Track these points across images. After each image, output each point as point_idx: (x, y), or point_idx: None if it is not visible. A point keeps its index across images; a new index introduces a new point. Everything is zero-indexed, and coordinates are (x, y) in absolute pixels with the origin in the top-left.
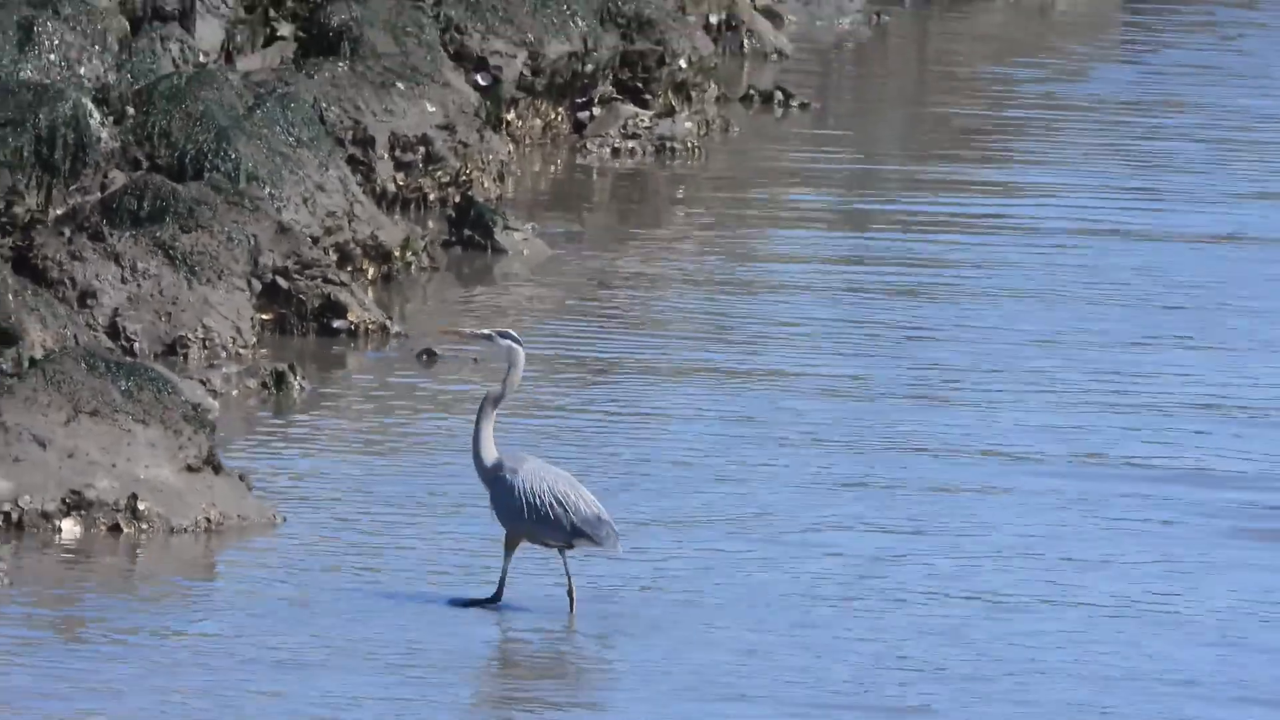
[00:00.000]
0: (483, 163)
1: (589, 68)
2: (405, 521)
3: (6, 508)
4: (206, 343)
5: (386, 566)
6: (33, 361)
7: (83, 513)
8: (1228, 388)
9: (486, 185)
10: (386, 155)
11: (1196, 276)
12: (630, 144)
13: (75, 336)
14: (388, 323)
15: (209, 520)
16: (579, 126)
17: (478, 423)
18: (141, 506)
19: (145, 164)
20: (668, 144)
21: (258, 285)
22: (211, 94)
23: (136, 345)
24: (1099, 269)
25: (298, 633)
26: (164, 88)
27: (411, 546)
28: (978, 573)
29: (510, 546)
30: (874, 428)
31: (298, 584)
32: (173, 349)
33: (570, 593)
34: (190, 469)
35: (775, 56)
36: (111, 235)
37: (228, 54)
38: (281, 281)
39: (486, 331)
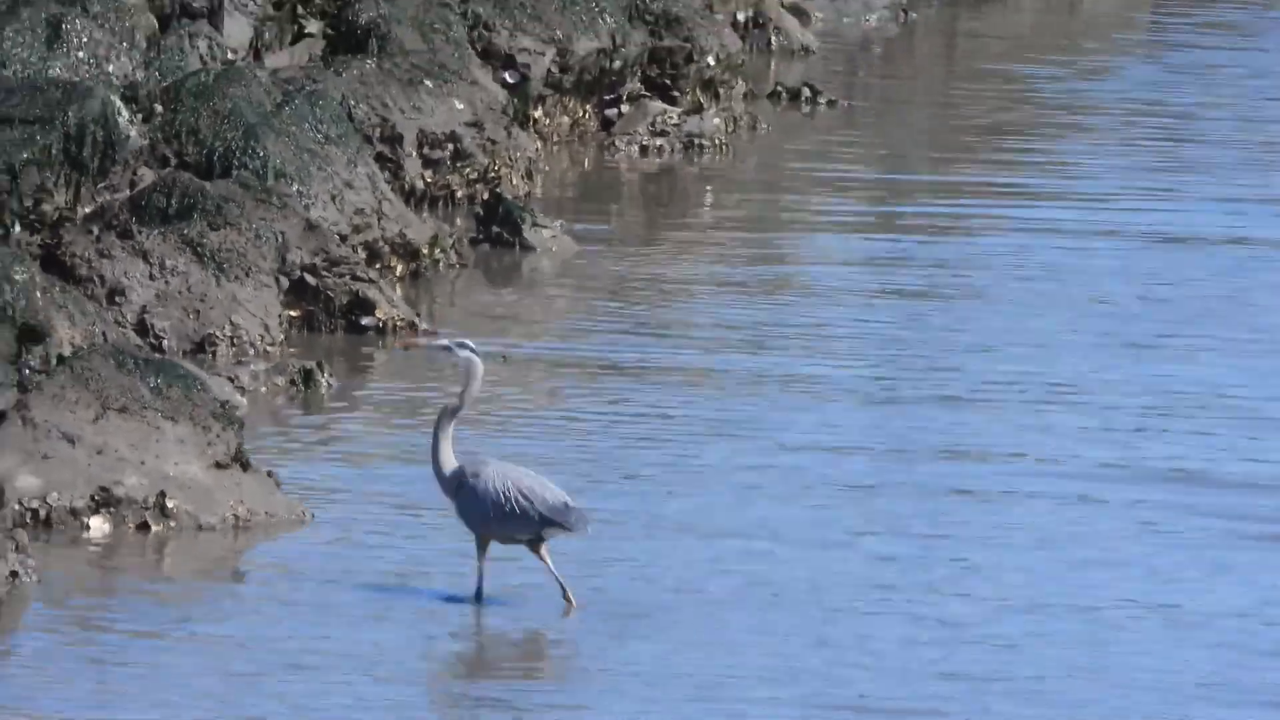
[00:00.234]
0: (511, 160)
1: (617, 65)
2: (432, 521)
3: (35, 505)
4: (235, 340)
5: (409, 567)
6: (61, 359)
7: (111, 510)
8: (1254, 390)
9: (515, 182)
10: (414, 152)
11: (1222, 278)
12: (658, 141)
13: (104, 334)
14: (416, 320)
15: (237, 517)
16: (607, 124)
17: (435, 435)
18: (170, 504)
19: (173, 161)
20: (696, 141)
21: (286, 282)
22: (240, 91)
23: (165, 342)
24: (1125, 272)
25: (313, 634)
26: (192, 85)
27: (437, 545)
28: (998, 575)
29: (482, 547)
30: (900, 431)
31: (320, 584)
32: (201, 346)
33: (565, 590)
34: (219, 466)
35: (802, 53)
36: (140, 233)
37: (256, 51)
38: (309, 279)
39: (445, 342)
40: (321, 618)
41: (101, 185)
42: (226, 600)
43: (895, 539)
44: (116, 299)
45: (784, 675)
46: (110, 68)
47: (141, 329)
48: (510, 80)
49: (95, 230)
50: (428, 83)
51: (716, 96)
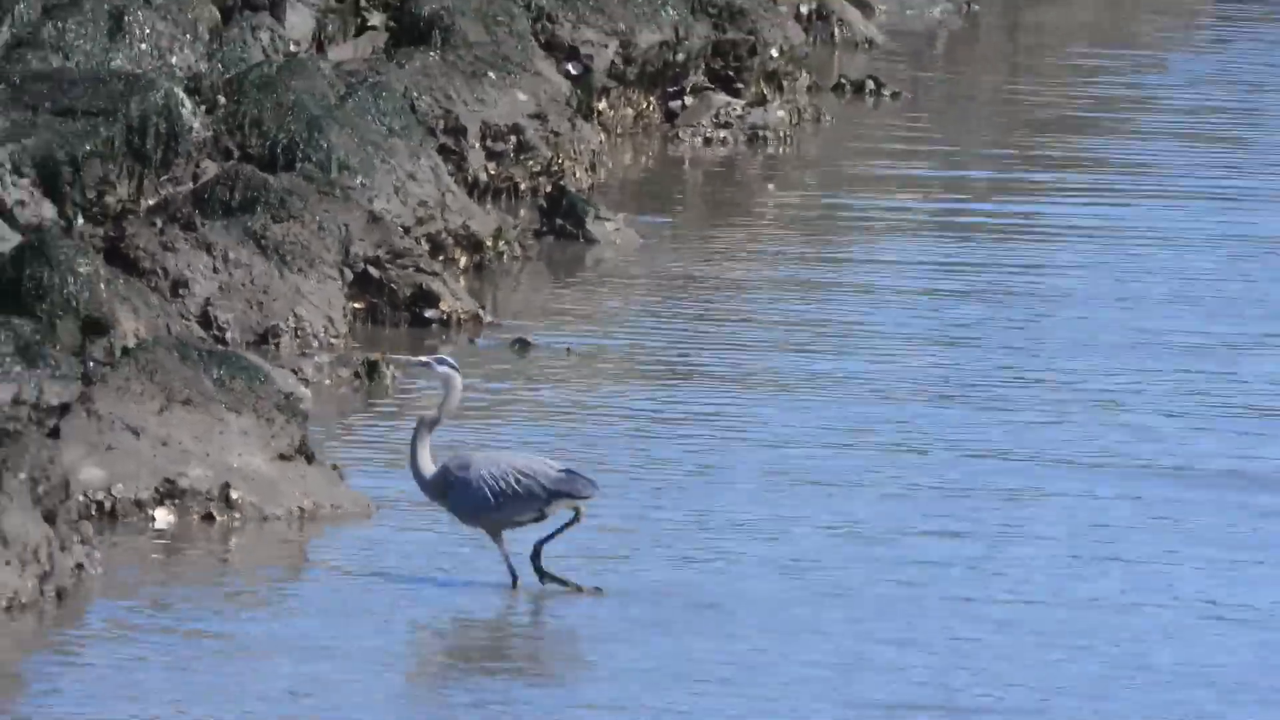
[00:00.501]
0: (574, 152)
1: (680, 57)
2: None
3: (100, 496)
4: (298, 332)
5: (472, 562)
6: (125, 351)
7: (176, 501)
8: None
9: (578, 175)
10: (478, 144)
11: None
12: (722, 133)
13: (167, 326)
14: (480, 312)
15: (302, 509)
16: (671, 116)
17: (413, 444)
18: (234, 495)
19: (237, 154)
20: (760, 133)
21: (349, 275)
22: (303, 83)
23: (228, 334)
24: (1183, 271)
25: (367, 628)
26: (255, 77)
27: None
28: (1055, 576)
29: (496, 537)
30: (961, 430)
31: (381, 577)
32: (264, 338)
33: (511, 575)
34: (283, 458)
35: (866, 46)
36: (203, 225)
37: (319, 43)
38: (373, 271)
39: (425, 359)
40: (375, 609)
41: (164, 178)
42: (290, 594)
43: (955, 538)
44: (180, 291)
45: (836, 670)
46: (173, 59)
47: (205, 321)
48: (573, 72)
49: (158, 223)
50: (491, 75)
51: (780, 89)
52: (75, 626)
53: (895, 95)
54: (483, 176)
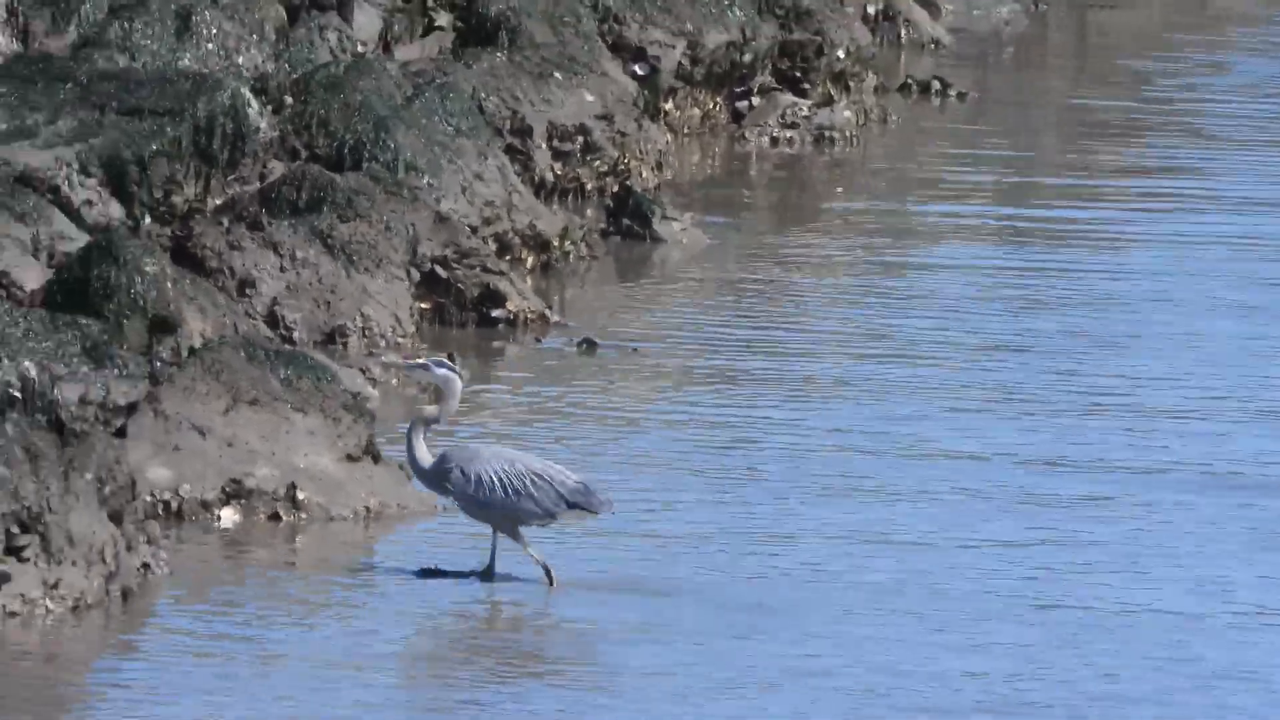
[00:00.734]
0: (641, 152)
1: (747, 57)
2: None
3: (167, 496)
4: (365, 331)
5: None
6: (192, 351)
7: (242, 501)
8: None
9: (644, 175)
10: (544, 145)
11: None
12: (789, 133)
13: (234, 325)
14: (547, 312)
15: (368, 509)
16: (737, 116)
17: (410, 440)
18: (301, 495)
19: (304, 154)
20: (826, 133)
21: (416, 274)
22: (370, 84)
23: (295, 334)
24: (1252, 276)
25: (431, 631)
26: (322, 77)
27: (571, 536)
28: (1115, 583)
29: (515, 536)
30: (1028, 438)
31: (445, 579)
32: (332, 338)
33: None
34: (349, 458)
35: (932, 46)
36: (270, 225)
37: (385, 44)
38: (440, 271)
39: (423, 360)
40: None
41: (231, 177)
42: (355, 596)
43: (1017, 546)
44: (247, 291)
45: (899, 676)
46: (240, 59)
47: (272, 321)
48: (640, 73)
49: (225, 222)
50: (558, 75)
51: (847, 89)
52: (141, 627)
53: (962, 96)
54: (549, 177)
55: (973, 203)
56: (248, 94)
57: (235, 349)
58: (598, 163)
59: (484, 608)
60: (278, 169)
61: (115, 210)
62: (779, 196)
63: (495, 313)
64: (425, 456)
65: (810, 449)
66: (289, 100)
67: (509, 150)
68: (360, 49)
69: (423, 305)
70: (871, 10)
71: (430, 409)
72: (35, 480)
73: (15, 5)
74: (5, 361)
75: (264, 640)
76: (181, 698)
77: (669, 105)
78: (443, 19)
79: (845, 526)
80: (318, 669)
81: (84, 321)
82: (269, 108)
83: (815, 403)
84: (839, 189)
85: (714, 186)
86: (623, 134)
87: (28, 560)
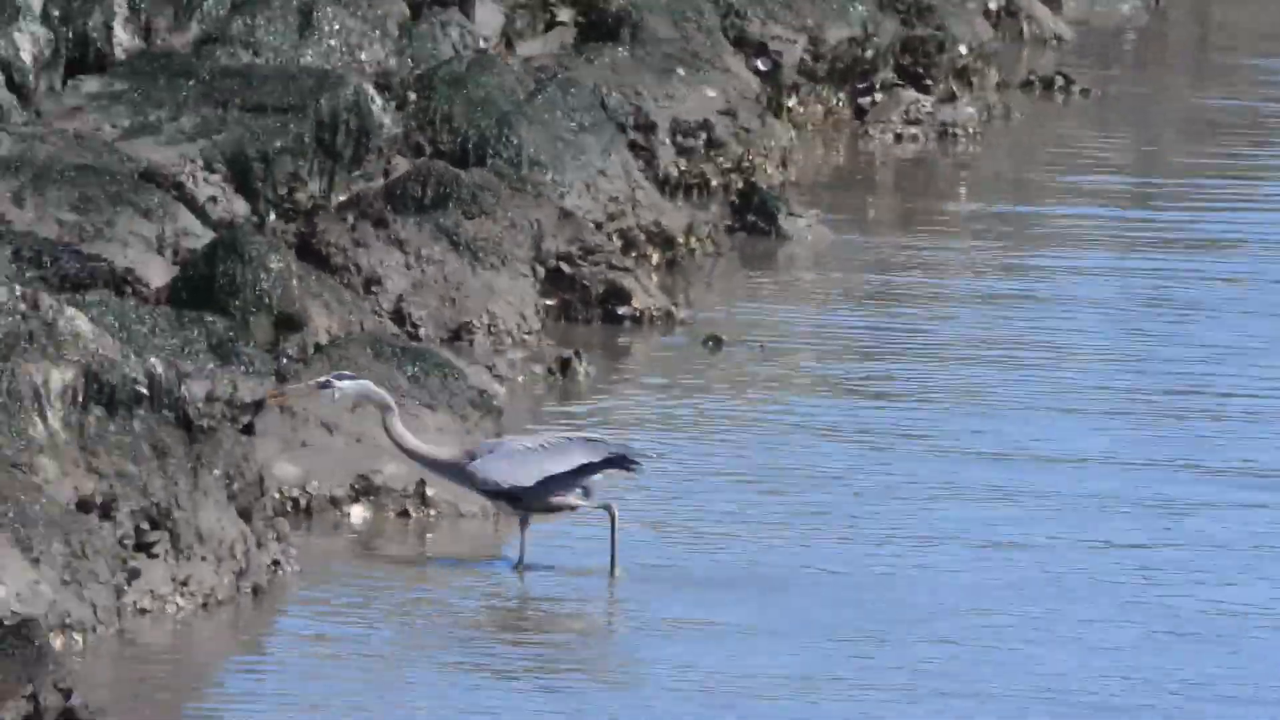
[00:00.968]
0: (764, 148)
1: (869, 53)
2: (703, 504)
3: (295, 493)
4: (491, 328)
5: (663, 557)
6: (319, 347)
7: (371, 498)
8: None
9: (769, 171)
10: (668, 141)
11: None
12: (912, 129)
13: (361, 322)
14: (673, 309)
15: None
16: (860, 112)
17: (393, 438)
18: (430, 492)
19: (428, 150)
20: (950, 130)
21: (541, 271)
22: (492, 79)
23: (422, 331)
24: None
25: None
26: (445, 73)
27: (696, 533)
28: (1209, 584)
29: (553, 508)
30: (1145, 444)
31: (573, 574)
32: (458, 335)
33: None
34: None
35: (1054, 42)
36: (395, 221)
37: (507, 39)
38: (565, 267)
39: (323, 379)
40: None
41: (355, 174)
42: (480, 596)
43: (1114, 548)
44: (373, 287)
45: (993, 669)
46: (362, 55)
47: (398, 317)
48: (763, 68)
49: (350, 219)
50: (680, 71)
51: (969, 85)
52: (271, 624)
53: (1085, 92)
54: (673, 172)
55: (1094, 204)
56: (371, 90)
57: (362, 346)
58: (721, 159)
59: (599, 606)
60: (402, 165)
61: (239, 207)
62: (902, 194)
63: (621, 310)
64: (431, 449)
65: (922, 452)
66: (412, 96)
67: (632, 146)
68: (482, 45)
69: (548, 302)
70: (993, 6)
71: (388, 401)
72: (164, 476)
73: (138, 2)
74: (132, 358)
75: (393, 641)
76: (310, 696)
77: (792, 101)
78: (564, 14)
79: (946, 529)
80: (443, 676)
81: (210, 318)
82: (392, 104)
83: (930, 408)
84: (962, 189)
85: (838, 184)
86: (746, 130)
87: (157, 556)
